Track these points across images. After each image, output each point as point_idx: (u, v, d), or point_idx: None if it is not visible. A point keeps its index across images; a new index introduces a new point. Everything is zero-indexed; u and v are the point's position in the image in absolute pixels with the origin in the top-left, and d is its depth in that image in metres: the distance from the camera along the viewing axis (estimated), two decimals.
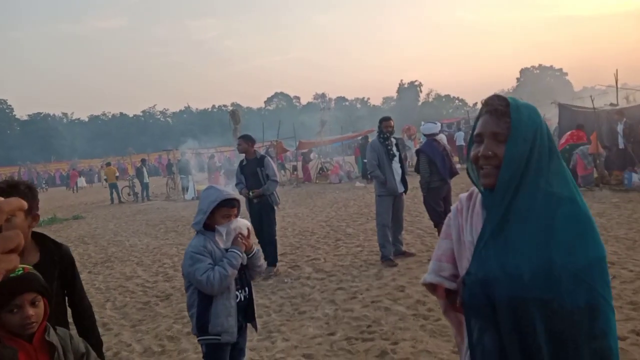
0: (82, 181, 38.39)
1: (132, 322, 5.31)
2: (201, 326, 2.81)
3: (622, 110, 13.93)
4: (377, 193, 6.80)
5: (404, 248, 6.93)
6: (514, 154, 1.38)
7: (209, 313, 2.77)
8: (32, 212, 2.15)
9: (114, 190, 21.39)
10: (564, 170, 1.43)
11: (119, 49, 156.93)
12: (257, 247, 2.98)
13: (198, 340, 2.92)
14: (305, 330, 4.54)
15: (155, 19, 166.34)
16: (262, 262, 3.03)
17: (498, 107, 1.43)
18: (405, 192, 6.88)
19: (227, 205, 2.81)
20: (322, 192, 17.29)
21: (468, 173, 1.54)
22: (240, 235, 2.82)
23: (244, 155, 6.96)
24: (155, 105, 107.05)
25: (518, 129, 1.38)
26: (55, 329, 1.82)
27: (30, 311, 1.72)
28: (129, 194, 21.97)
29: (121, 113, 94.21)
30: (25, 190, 2.14)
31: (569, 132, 13.56)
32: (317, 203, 14.26)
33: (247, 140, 6.83)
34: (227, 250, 2.80)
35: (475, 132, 1.48)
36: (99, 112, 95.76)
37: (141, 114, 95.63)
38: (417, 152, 7.34)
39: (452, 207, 1.65)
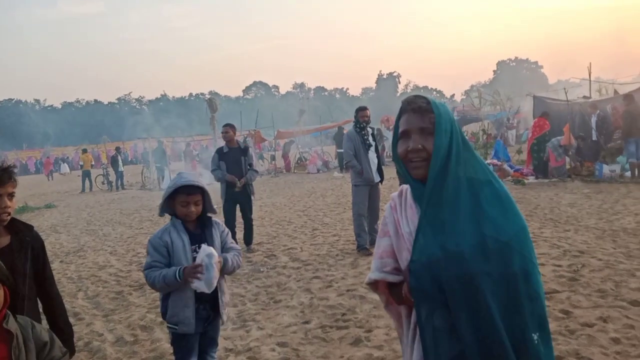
0: (65, 167, 37.89)
1: (104, 312, 5.23)
2: (164, 314, 2.79)
3: (596, 103, 14.22)
4: (354, 183, 6.81)
5: None
6: (440, 146, 1.51)
7: (167, 302, 2.73)
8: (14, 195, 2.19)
9: (86, 178, 21.04)
10: (476, 157, 1.58)
11: (94, 34, 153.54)
12: (221, 260, 2.71)
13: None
14: (280, 319, 4.53)
15: (132, 5, 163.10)
16: (229, 265, 2.78)
17: (421, 104, 1.57)
18: (381, 181, 6.91)
19: (185, 192, 2.67)
20: (300, 182, 17.26)
21: (397, 171, 1.62)
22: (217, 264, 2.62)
23: (224, 142, 7.22)
24: (130, 92, 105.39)
25: (440, 123, 1.52)
26: (16, 317, 1.76)
27: None
28: (103, 183, 21.61)
29: (95, 100, 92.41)
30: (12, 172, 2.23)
31: (532, 123, 13.84)
32: (295, 193, 14.23)
33: (234, 128, 7.28)
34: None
35: (401, 130, 1.58)
36: (72, 99, 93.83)
37: (116, 101, 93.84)
38: None
39: (386, 206, 1.74)
